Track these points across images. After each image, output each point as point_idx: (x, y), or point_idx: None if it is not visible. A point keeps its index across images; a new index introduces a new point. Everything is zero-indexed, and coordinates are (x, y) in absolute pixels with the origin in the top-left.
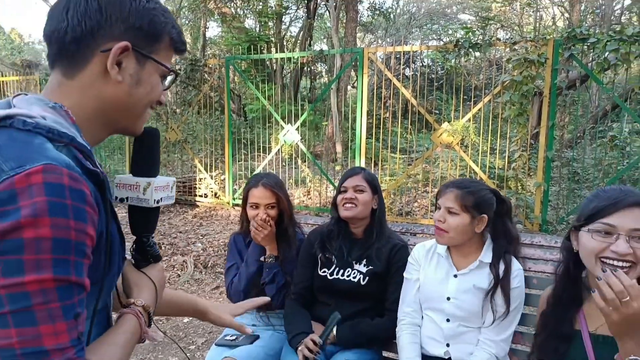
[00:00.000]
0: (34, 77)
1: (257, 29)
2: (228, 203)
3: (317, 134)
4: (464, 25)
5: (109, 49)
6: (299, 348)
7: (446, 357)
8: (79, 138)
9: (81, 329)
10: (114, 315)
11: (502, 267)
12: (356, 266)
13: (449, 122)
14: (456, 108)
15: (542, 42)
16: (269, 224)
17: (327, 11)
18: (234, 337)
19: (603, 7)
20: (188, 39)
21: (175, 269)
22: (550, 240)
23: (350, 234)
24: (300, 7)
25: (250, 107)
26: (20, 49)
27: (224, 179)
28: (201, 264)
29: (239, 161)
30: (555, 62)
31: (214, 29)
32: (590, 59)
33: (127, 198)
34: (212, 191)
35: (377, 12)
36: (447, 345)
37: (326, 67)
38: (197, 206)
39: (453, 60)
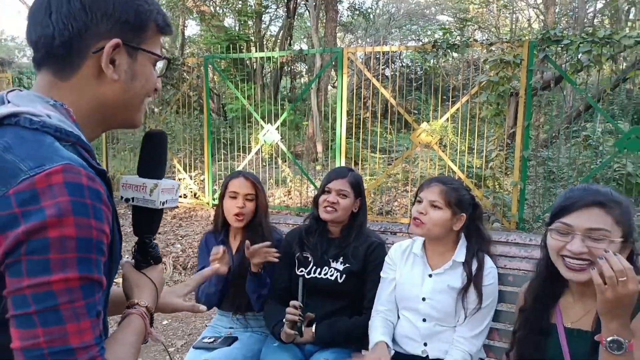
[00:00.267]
0: (6, 75)
1: (237, 28)
2: (208, 203)
3: (297, 133)
4: (442, 27)
5: (101, 49)
6: (284, 320)
7: (424, 356)
8: (83, 137)
9: (101, 327)
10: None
11: (475, 264)
12: (333, 264)
13: (427, 122)
14: (435, 108)
15: (517, 43)
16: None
17: (307, 11)
18: (211, 340)
19: (576, 9)
20: (167, 37)
21: None
22: (525, 238)
23: (327, 232)
24: (280, 6)
25: (230, 107)
26: None
27: (204, 179)
28: (180, 265)
29: (218, 161)
30: (530, 63)
31: (192, 28)
32: (564, 60)
33: (133, 198)
34: (191, 191)
35: (357, 12)
36: (425, 344)
37: (306, 67)
38: (176, 207)
39: (432, 61)
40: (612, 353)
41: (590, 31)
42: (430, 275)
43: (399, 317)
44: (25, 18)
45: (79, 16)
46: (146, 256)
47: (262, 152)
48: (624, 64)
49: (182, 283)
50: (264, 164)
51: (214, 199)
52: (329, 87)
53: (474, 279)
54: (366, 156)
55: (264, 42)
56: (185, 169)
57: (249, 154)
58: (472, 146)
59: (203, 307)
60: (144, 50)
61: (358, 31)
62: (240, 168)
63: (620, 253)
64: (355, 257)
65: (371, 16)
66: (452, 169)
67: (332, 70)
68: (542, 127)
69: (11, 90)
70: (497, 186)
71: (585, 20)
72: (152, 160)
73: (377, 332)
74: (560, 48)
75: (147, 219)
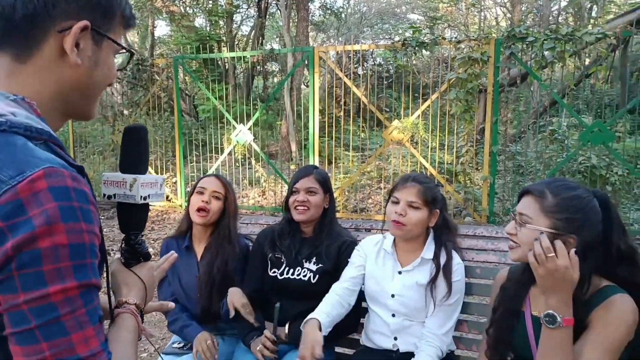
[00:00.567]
0: None
1: (208, 28)
2: (180, 206)
3: (271, 133)
4: (412, 25)
5: (67, 29)
6: (257, 348)
7: (394, 349)
8: (53, 133)
9: (104, 332)
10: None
11: (444, 256)
12: (306, 264)
13: (399, 119)
14: (407, 106)
15: (484, 41)
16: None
17: (278, 10)
18: (181, 345)
19: (541, 7)
20: (136, 38)
21: None
22: (492, 231)
23: (300, 232)
24: (251, 5)
25: (202, 108)
26: None
27: (176, 181)
28: None
29: (190, 163)
30: (497, 60)
31: (162, 28)
32: (530, 57)
33: (114, 195)
34: None
35: (329, 11)
36: (395, 338)
37: (279, 67)
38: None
39: (403, 59)
40: (547, 327)
41: (554, 28)
42: (399, 272)
43: (368, 312)
44: None
45: None
46: (135, 253)
47: (235, 152)
48: (587, 60)
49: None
50: (238, 164)
51: (186, 202)
52: (302, 86)
53: (443, 270)
54: (340, 154)
55: (236, 42)
56: (156, 171)
57: (222, 154)
58: (443, 142)
59: (171, 304)
60: (109, 38)
61: (330, 30)
62: (213, 169)
63: (554, 240)
64: (328, 256)
65: (343, 15)
66: (423, 166)
67: (305, 69)
68: (510, 122)
69: None
70: (468, 181)
71: (550, 18)
72: (131, 155)
73: (319, 309)
74: (525, 45)
75: (130, 215)
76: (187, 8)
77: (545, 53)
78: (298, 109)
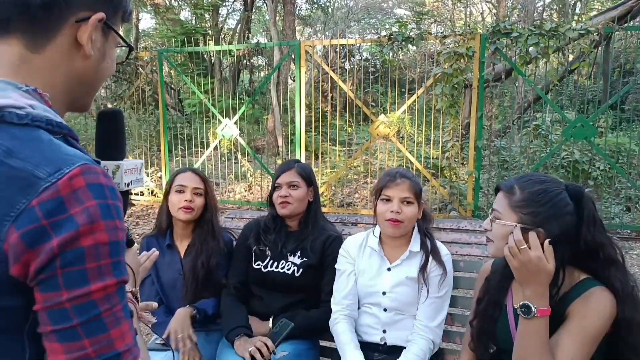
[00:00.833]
0: None
1: (193, 21)
2: None
3: (258, 128)
4: (399, 20)
5: (85, 19)
6: (249, 349)
7: (382, 343)
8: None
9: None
10: None
11: (428, 242)
12: (290, 258)
13: (385, 114)
14: (393, 101)
15: (469, 36)
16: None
17: (264, 3)
18: (163, 342)
19: (526, 3)
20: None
21: None
22: (475, 225)
23: (286, 227)
24: None
25: (187, 102)
26: None
27: (161, 175)
28: None
29: (176, 157)
30: (482, 55)
31: (147, 21)
32: (515, 52)
33: None
34: (148, 189)
35: (316, 5)
36: (384, 331)
37: (266, 61)
38: (133, 205)
39: (389, 54)
40: (523, 317)
41: (538, 24)
42: (389, 269)
43: (359, 307)
44: None
45: None
46: None
47: (221, 147)
48: (571, 56)
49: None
50: (223, 159)
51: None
52: (289, 81)
53: (431, 252)
54: (327, 149)
55: (222, 36)
56: None
57: (207, 149)
58: (429, 137)
59: (155, 304)
60: (116, 32)
61: (317, 24)
62: (199, 163)
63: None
64: (313, 250)
65: (330, 10)
66: (410, 160)
67: (292, 63)
68: (495, 117)
69: None
70: (453, 176)
71: (535, 14)
72: (109, 140)
73: (350, 345)
74: (510, 40)
75: None
76: (172, 1)
77: (530, 49)
78: (285, 103)
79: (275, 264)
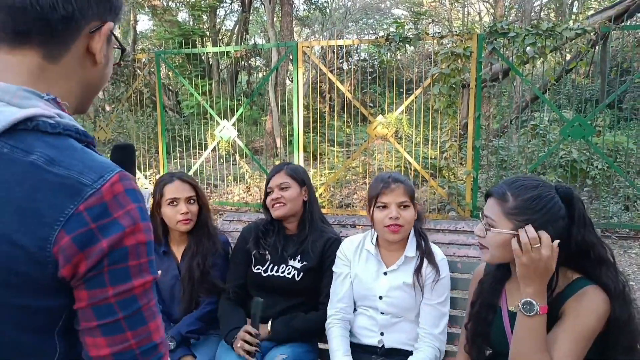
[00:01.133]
0: None
1: (191, 23)
2: None
3: (256, 129)
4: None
5: (97, 29)
6: (237, 345)
7: (379, 345)
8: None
9: None
10: None
11: (422, 243)
12: (291, 262)
13: (383, 115)
14: (391, 101)
15: (467, 36)
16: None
17: (262, 4)
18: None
19: (523, 2)
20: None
21: None
22: (473, 226)
23: (284, 229)
24: (235, 0)
25: (186, 103)
26: None
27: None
28: None
29: (174, 159)
30: (479, 55)
31: (145, 23)
32: (512, 52)
33: None
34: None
35: (313, 6)
36: (382, 334)
37: (264, 62)
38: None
39: (387, 54)
40: (524, 314)
41: (535, 24)
42: (385, 274)
43: (356, 310)
44: None
45: None
46: None
47: (219, 148)
48: (568, 56)
49: None
50: (222, 160)
51: (153, 207)
52: (287, 82)
53: (425, 255)
54: (325, 150)
55: (220, 37)
56: (139, 168)
57: (205, 151)
58: (427, 137)
59: None
60: (115, 37)
61: (315, 25)
62: (197, 165)
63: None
64: (312, 253)
65: (327, 10)
66: (408, 161)
67: (290, 64)
68: (493, 117)
69: None
70: (451, 176)
71: (532, 14)
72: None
73: (339, 352)
74: (507, 40)
75: None
76: (170, 2)
77: (527, 48)
78: (283, 105)
79: (276, 268)
